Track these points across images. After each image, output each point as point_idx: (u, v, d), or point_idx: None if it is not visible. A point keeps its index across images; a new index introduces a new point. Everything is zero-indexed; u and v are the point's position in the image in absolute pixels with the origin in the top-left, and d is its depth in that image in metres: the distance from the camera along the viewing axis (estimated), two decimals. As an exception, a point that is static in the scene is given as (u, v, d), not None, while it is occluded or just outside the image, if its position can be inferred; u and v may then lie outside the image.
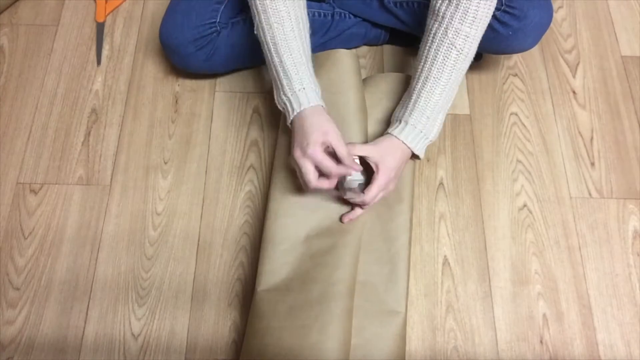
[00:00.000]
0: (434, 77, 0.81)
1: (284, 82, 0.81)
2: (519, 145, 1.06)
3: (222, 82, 1.11)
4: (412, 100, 0.83)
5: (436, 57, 0.80)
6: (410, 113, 0.83)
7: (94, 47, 1.15)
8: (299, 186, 0.85)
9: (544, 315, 0.92)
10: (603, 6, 1.23)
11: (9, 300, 0.91)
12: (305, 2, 0.85)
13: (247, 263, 0.95)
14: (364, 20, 1.09)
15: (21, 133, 1.06)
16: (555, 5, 1.20)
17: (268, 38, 0.81)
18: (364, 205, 0.82)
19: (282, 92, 0.82)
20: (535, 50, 1.16)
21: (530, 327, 0.91)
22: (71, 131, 1.06)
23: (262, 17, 0.81)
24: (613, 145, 1.07)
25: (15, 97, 1.09)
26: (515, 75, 1.14)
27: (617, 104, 1.11)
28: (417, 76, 0.83)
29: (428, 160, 1.04)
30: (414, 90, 0.83)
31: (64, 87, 1.11)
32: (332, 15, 1.07)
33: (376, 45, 1.16)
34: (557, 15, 1.21)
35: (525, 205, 1.00)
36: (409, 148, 0.83)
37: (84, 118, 1.07)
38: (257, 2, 0.81)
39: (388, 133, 0.84)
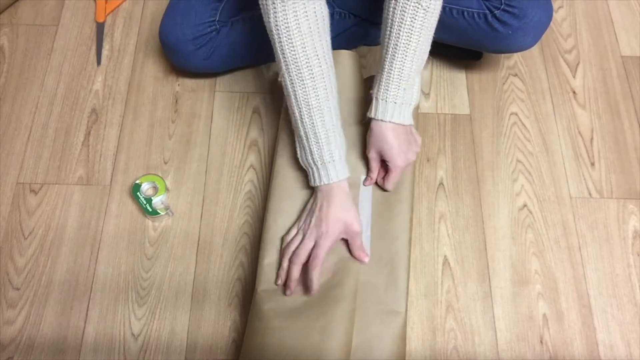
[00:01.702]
0: (403, 45, 0.77)
1: (314, 148, 0.79)
2: (519, 145, 1.06)
3: (222, 82, 1.11)
4: (385, 74, 0.79)
5: (402, 20, 0.76)
6: (387, 89, 0.79)
7: (94, 47, 1.15)
8: (299, 187, 0.85)
9: (544, 315, 0.92)
10: (603, 6, 1.23)
11: (9, 300, 0.91)
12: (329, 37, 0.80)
13: (247, 263, 0.95)
14: (364, 19, 1.09)
15: (21, 133, 1.06)
16: (555, 5, 1.20)
17: (299, 96, 0.78)
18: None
19: (309, 156, 0.80)
20: (535, 50, 1.16)
21: (530, 327, 0.91)
22: (71, 131, 1.06)
23: (292, 68, 0.76)
24: (613, 145, 1.07)
25: (15, 97, 1.09)
26: (515, 75, 1.14)
27: (617, 104, 1.11)
28: (385, 45, 0.78)
29: (428, 160, 1.04)
30: (385, 61, 0.79)
31: (64, 87, 1.11)
32: (332, 15, 1.07)
33: (376, 45, 1.16)
34: (557, 15, 1.21)
35: (525, 205, 1.00)
36: (397, 123, 0.80)
37: (84, 118, 1.07)
38: (286, 48, 0.76)
39: (372, 118, 0.81)
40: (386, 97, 0.79)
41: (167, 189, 1.00)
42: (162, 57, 1.14)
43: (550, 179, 1.03)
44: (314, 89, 0.78)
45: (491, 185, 1.02)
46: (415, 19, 0.76)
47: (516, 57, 1.16)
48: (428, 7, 0.76)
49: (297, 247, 0.79)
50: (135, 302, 0.91)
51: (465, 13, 0.95)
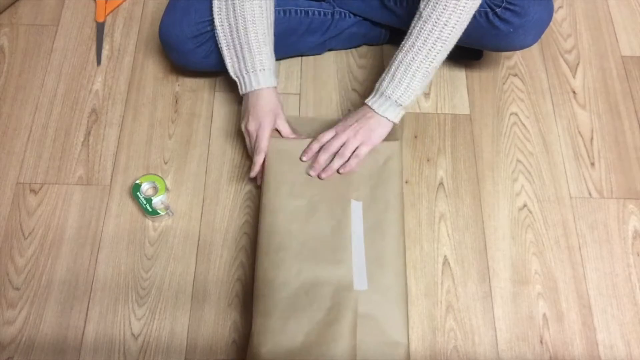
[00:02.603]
0: (408, 46, 0.86)
1: (247, 57, 0.92)
2: (519, 145, 1.06)
3: (222, 82, 1.11)
4: (388, 70, 0.88)
5: (414, 27, 0.85)
6: (387, 84, 0.88)
7: (94, 47, 1.15)
8: (287, 217, 0.85)
9: (544, 315, 0.92)
10: (603, 6, 1.23)
11: (9, 300, 0.91)
12: None
13: (247, 263, 0.95)
14: (364, 19, 1.09)
15: (21, 133, 1.06)
16: (555, 5, 1.20)
17: (237, 9, 0.90)
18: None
19: (241, 64, 0.93)
20: (535, 50, 1.16)
21: (530, 327, 0.91)
22: (71, 131, 1.06)
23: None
24: (613, 145, 1.07)
25: (15, 97, 1.09)
26: (515, 75, 1.14)
27: (617, 104, 1.11)
28: (401, 46, 0.87)
29: (428, 161, 1.04)
30: (392, 60, 0.88)
31: (64, 87, 1.11)
32: (332, 14, 1.07)
33: (376, 44, 1.16)
34: (557, 15, 1.21)
35: (525, 205, 1.00)
36: (382, 116, 0.89)
37: (84, 118, 1.07)
38: None
39: (364, 103, 0.91)
40: (384, 90, 0.88)
41: (167, 189, 1.00)
42: (162, 57, 1.14)
43: (550, 179, 1.03)
44: (250, 4, 0.90)
45: (491, 185, 1.02)
46: (433, 30, 0.84)
47: (516, 57, 1.16)
48: (447, 22, 0.84)
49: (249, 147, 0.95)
50: (135, 302, 0.91)
51: None
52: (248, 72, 0.92)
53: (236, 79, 0.95)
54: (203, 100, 1.09)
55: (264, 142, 0.91)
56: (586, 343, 0.90)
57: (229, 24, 0.92)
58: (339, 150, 0.89)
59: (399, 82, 0.87)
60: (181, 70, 1.11)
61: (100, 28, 1.17)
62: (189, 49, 0.99)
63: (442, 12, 0.83)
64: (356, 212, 0.85)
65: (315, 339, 0.76)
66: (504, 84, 1.13)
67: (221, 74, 1.11)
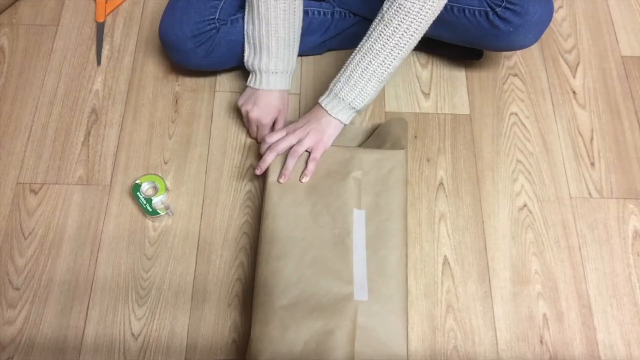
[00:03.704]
0: (366, 48, 0.86)
1: (263, 57, 0.94)
2: (519, 145, 1.06)
3: (223, 82, 1.11)
4: (344, 71, 0.89)
5: (374, 29, 0.86)
6: (341, 85, 0.89)
7: (94, 47, 1.15)
8: (289, 225, 0.85)
9: (544, 315, 0.92)
10: (603, 6, 1.23)
11: (9, 300, 0.91)
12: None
13: (247, 263, 0.95)
14: (365, 19, 1.09)
15: (21, 133, 1.06)
16: (555, 5, 1.20)
17: (261, 10, 0.91)
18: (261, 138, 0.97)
19: (256, 62, 0.95)
20: (535, 50, 1.16)
21: (530, 327, 0.91)
22: (71, 131, 1.06)
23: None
24: (613, 145, 1.07)
25: (15, 97, 1.09)
26: (515, 75, 1.14)
27: (617, 104, 1.11)
28: (359, 47, 0.88)
29: (428, 161, 1.04)
30: (349, 61, 0.89)
31: (64, 87, 1.11)
32: (332, 14, 1.07)
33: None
34: (557, 15, 1.21)
35: (525, 205, 1.00)
36: (334, 117, 0.91)
37: (84, 118, 1.07)
38: None
39: (319, 103, 0.92)
40: (337, 91, 0.89)
41: (167, 189, 1.00)
42: (162, 57, 1.14)
43: (550, 179, 1.03)
44: (274, 7, 0.91)
45: (491, 185, 1.02)
46: (384, 31, 0.85)
47: (516, 57, 1.16)
48: (399, 25, 0.84)
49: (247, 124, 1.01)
50: (135, 302, 0.91)
51: (467, 10, 0.95)
52: (261, 71, 0.95)
53: (251, 72, 0.97)
54: (203, 100, 1.10)
55: (265, 130, 0.98)
56: (586, 343, 0.90)
57: (252, 22, 0.93)
58: (291, 149, 0.90)
59: (354, 85, 0.88)
60: (181, 70, 1.11)
61: (100, 28, 1.17)
62: (189, 49, 0.99)
63: (403, 19, 0.83)
64: (359, 221, 0.85)
65: (314, 348, 0.75)
66: (504, 84, 1.13)
67: (221, 73, 1.11)
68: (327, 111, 0.90)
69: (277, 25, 0.92)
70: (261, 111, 0.96)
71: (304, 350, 0.75)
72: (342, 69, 0.89)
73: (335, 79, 0.90)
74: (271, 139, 0.92)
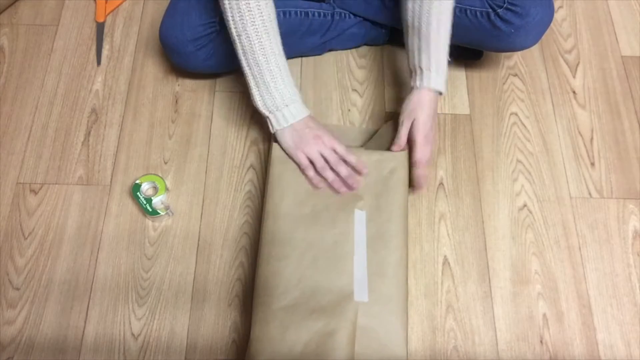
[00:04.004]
0: (436, 21, 0.86)
1: (265, 96, 0.86)
2: (519, 145, 1.06)
3: (222, 82, 1.11)
4: (424, 46, 0.88)
5: (439, 9, 0.86)
6: (429, 59, 0.88)
7: (94, 47, 1.15)
8: (290, 225, 0.85)
9: (544, 315, 0.92)
10: (603, 6, 1.23)
11: (9, 300, 0.91)
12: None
13: (247, 263, 0.95)
14: (365, 19, 1.09)
15: (21, 133, 1.06)
16: (555, 5, 1.20)
17: (252, 40, 0.84)
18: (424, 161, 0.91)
19: (274, 100, 0.86)
20: (535, 50, 1.16)
21: (530, 327, 0.91)
22: (71, 131, 1.06)
23: (238, 15, 0.83)
24: (613, 145, 1.07)
25: (15, 97, 1.09)
26: (515, 75, 1.14)
27: (617, 104, 1.11)
28: (417, 20, 0.87)
29: (428, 160, 1.04)
30: (420, 34, 0.88)
31: (64, 87, 1.11)
32: (332, 15, 1.07)
33: (377, 45, 1.16)
34: (557, 15, 1.21)
35: (525, 205, 1.00)
36: (437, 92, 0.91)
37: (84, 118, 1.07)
38: (231, 4, 0.82)
39: (417, 87, 0.90)
40: (430, 67, 0.89)
41: (167, 189, 1.00)
42: (162, 57, 1.14)
43: (550, 179, 1.03)
44: (256, 33, 0.84)
45: (491, 185, 1.02)
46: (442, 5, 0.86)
47: (516, 57, 1.16)
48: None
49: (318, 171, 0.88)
50: (135, 302, 0.91)
51: (468, 11, 0.95)
52: (271, 110, 0.87)
53: (264, 116, 0.89)
54: (203, 100, 1.10)
55: (341, 145, 0.88)
56: (586, 343, 0.90)
57: (240, 56, 0.87)
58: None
59: (444, 61, 0.90)
60: (181, 70, 1.11)
61: (100, 28, 1.17)
62: (190, 52, 0.99)
63: None
64: (359, 222, 0.84)
65: (314, 349, 0.75)
66: (504, 84, 1.13)
67: (221, 74, 1.11)
68: (439, 91, 0.91)
69: (275, 54, 0.86)
70: (315, 138, 0.87)
71: (304, 351, 0.75)
72: (422, 47, 0.89)
73: (423, 58, 0.89)
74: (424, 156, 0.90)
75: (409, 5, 0.88)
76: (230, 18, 0.83)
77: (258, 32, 0.83)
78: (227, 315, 0.91)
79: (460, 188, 1.02)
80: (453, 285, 0.94)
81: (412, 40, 0.91)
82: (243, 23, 0.83)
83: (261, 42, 0.84)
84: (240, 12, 0.82)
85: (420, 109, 0.89)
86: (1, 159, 1.03)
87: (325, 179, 0.87)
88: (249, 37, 0.83)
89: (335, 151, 0.87)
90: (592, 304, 0.93)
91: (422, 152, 0.89)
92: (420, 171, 0.90)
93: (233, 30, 0.84)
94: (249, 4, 0.81)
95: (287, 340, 0.76)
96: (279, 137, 0.89)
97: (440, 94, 0.92)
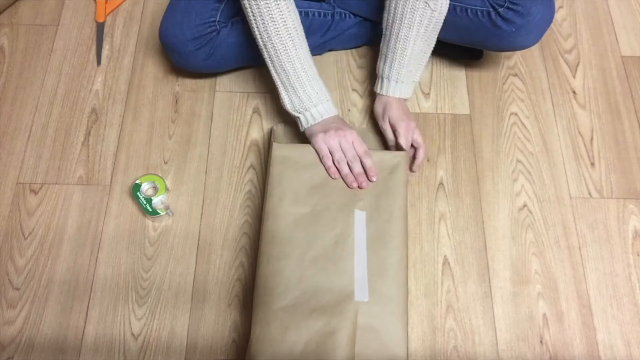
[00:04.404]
0: (404, 32, 0.91)
1: (302, 94, 0.89)
2: (519, 145, 1.06)
3: (222, 82, 1.11)
4: (390, 56, 0.94)
5: (423, 17, 0.89)
6: (391, 69, 0.94)
7: (94, 47, 1.15)
8: (290, 225, 0.84)
9: (544, 315, 0.92)
10: (603, 6, 1.23)
11: (9, 300, 0.91)
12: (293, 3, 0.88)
13: (247, 263, 0.95)
14: (365, 19, 1.09)
15: (21, 133, 1.06)
16: (555, 5, 1.20)
17: (277, 49, 0.87)
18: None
19: (303, 102, 0.89)
20: (535, 50, 1.16)
21: (530, 327, 0.91)
22: (71, 131, 1.06)
23: (262, 26, 0.86)
24: (613, 145, 1.07)
25: (15, 97, 1.09)
26: (515, 75, 1.14)
27: (617, 104, 1.11)
28: (389, 30, 0.92)
29: (428, 161, 1.04)
30: (389, 44, 0.93)
31: (64, 87, 1.11)
32: (333, 15, 1.07)
33: (377, 45, 1.16)
34: (557, 15, 1.21)
35: (525, 205, 1.00)
36: (400, 99, 0.97)
37: (84, 118, 1.07)
38: (258, 8, 0.85)
39: (379, 93, 0.97)
40: (390, 76, 0.95)
41: (167, 189, 1.00)
42: (162, 57, 1.14)
43: (550, 179, 1.03)
44: (286, 35, 0.87)
45: (491, 185, 1.02)
46: (415, 10, 0.88)
47: (516, 57, 1.16)
48: (431, 5, 0.87)
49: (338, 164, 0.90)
50: (135, 302, 0.91)
51: (469, 11, 0.95)
52: (301, 111, 0.91)
53: (293, 117, 0.93)
54: (203, 100, 1.10)
55: (363, 146, 0.90)
56: (586, 343, 0.90)
57: (267, 59, 0.89)
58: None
59: (413, 70, 0.95)
60: (181, 70, 1.11)
61: (100, 28, 1.17)
62: (190, 51, 0.99)
63: (436, 2, 0.88)
64: (359, 222, 0.84)
65: (314, 349, 0.75)
66: (504, 84, 1.13)
67: (221, 74, 1.11)
68: (401, 97, 0.97)
69: (298, 52, 0.88)
70: (338, 132, 0.89)
71: (304, 351, 0.75)
72: (394, 59, 0.93)
73: (386, 68, 0.95)
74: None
75: (384, 14, 0.93)
76: (255, 29, 0.87)
77: (283, 40, 0.86)
78: (227, 315, 0.91)
79: (460, 188, 1.02)
80: (453, 285, 0.94)
81: (381, 47, 0.96)
82: (268, 34, 0.86)
83: (287, 50, 0.87)
84: (264, 23, 0.85)
85: (389, 110, 0.96)
86: (1, 159, 1.03)
87: (339, 171, 0.89)
88: (275, 46, 0.87)
89: (354, 147, 0.90)
90: (592, 304, 0.93)
91: (405, 138, 0.95)
92: (420, 153, 0.97)
93: (259, 41, 0.88)
94: (272, 15, 0.84)
95: (287, 340, 0.76)
96: (308, 132, 0.92)
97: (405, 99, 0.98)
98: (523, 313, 0.92)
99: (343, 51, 1.15)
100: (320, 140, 0.89)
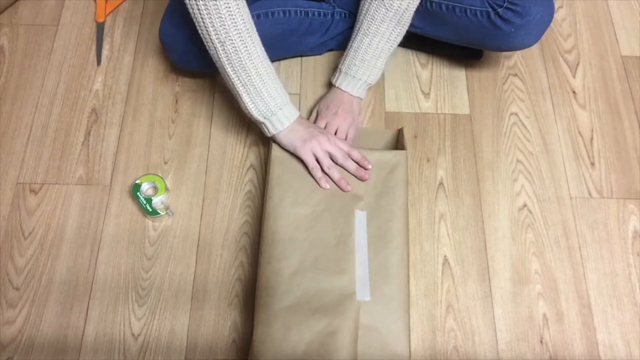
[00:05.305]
0: (364, 29, 0.93)
1: (258, 103, 0.86)
2: (519, 145, 1.06)
3: (222, 82, 1.11)
4: (350, 51, 0.96)
5: (386, 14, 0.90)
6: (350, 64, 0.97)
7: (94, 47, 1.15)
8: (291, 225, 0.84)
9: (544, 315, 0.92)
10: (603, 6, 1.23)
11: (9, 300, 0.91)
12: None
13: (247, 263, 0.95)
14: (364, 20, 1.09)
15: (21, 133, 1.06)
16: (555, 5, 1.20)
17: (230, 53, 0.82)
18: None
19: (267, 106, 0.86)
20: (535, 50, 1.16)
21: (530, 327, 0.91)
22: (71, 131, 1.06)
23: (219, 21, 0.79)
24: (613, 145, 1.07)
25: (15, 97, 1.09)
26: (515, 75, 1.14)
27: (617, 104, 1.11)
28: (365, 29, 0.94)
29: (428, 161, 1.04)
30: (352, 41, 0.96)
31: (64, 87, 1.11)
32: (332, 15, 1.07)
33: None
34: (557, 15, 1.21)
35: (525, 205, 1.00)
36: (351, 94, 0.98)
37: (84, 118, 1.07)
38: (208, 8, 0.78)
39: (332, 84, 1.00)
40: (347, 71, 0.97)
41: (167, 189, 1.00)
42: (162, 57, 1.14)
43: (550, 179, 1.03)
44: (240, 39, 0.81)
45: (491, 185, 1.02)
46: (377, 12, 0.91)
47: (516, 57, 1.16)
48: (391, 6, 0.90)
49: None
50: (135, 302, 0.91)
51: (468, 11, 0.95)
52: (265, 117, 0.87)
53: (257, 123, 0.90)
54: (203, 100, 1.10)
55: (343, 141, 0.90)
56: (586, 343, 0.90)
57: (221, 65, 0.84)
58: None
59: (371, 65, 0.96)
60: (181, 70, 1.11)
61: (100, 28, 1.17)
62: (189, 51, 0.99)
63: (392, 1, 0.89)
64: (360, 222, 0.84)
65: (317, 349, 0.75)
66: (504, 84, 1.13)
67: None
68: (348, 92, 0.98)
69: (264, 64, 0.85)
70: (310, 135, 0.88)
71: (307, 351, 0.75)
72: (352, 52, 0.96)
73: (345, 61, 0.97)
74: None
75: (358, 11, 0.95)
76: (209, 24, 0.79)
77: (242, 36, 0.80)
78: (227, 315, 0.91)
79: (460, 188, 1.02)
80: (453, 285, 0.94)
81: (349, 41, 0.98)
82: (225, 29, 0.79)
83: (246, 46, 0.81)
84: (220, 16, 0.78)
85: (333, 100, 0.98)
86: (1, 159, 1.03)
87: (331, 178, 0.88)
88: (234, 43, 0.80)
89: (339, 147, 0.89)
90: (592, 304, 0.93)
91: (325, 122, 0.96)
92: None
93: (214, 38, 0.80)
94: (229, 5, 0.77)
95: (289, 340, 0.76)
96: (279, 140, 0.89)
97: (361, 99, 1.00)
98: (523, 313, 0.92)
99: (343, 51, 1.15)
100: (307, 151, 0.87)
